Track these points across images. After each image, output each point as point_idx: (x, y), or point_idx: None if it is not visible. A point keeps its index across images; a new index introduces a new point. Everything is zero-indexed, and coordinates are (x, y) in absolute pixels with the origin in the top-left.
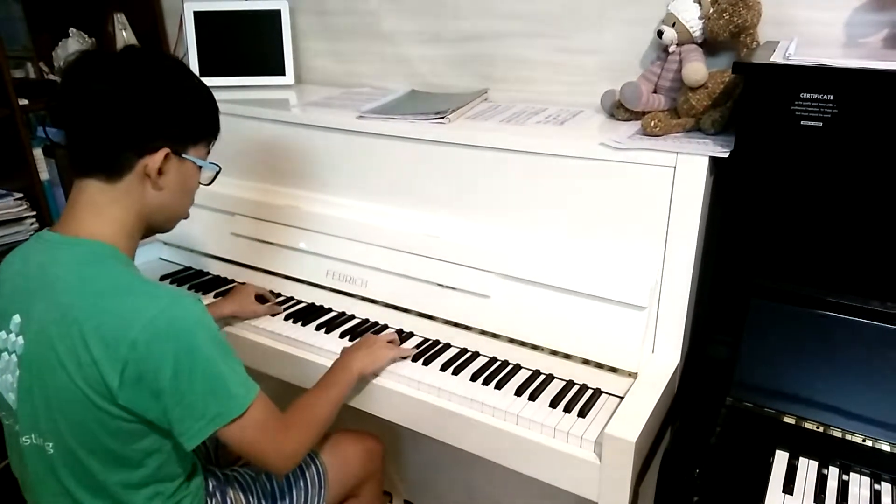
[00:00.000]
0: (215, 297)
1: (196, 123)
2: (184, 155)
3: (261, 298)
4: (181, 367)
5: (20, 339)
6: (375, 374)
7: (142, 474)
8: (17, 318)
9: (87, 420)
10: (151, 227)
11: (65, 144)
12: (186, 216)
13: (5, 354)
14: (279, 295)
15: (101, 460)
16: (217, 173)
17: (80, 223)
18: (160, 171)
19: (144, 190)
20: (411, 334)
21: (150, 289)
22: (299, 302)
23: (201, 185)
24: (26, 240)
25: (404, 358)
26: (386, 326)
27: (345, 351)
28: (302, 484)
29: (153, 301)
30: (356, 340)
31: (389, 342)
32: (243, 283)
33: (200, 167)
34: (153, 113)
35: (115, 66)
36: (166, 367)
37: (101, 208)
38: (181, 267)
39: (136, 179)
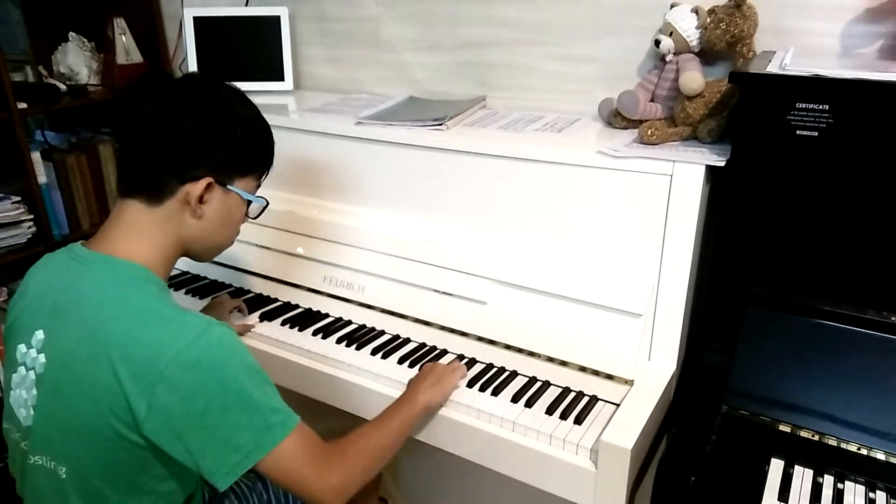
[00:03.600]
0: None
1: (245, 155)
2: (229, 186)
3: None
4: (213, 401)
5: (41, 357)
6: (442, 406)
7: (153, 498)
8: (39, 335)
9: (106, 447)
10: (191, 254)
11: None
12: (230, 245)
13: (22, 369)
14: (276, 300)
15: (116, 486)
16: (264, 208)
17: (117, 242)
18: (201, 200)
19: (184, 217)
20: (408, 340)
21: (182, 317)
22: (296, 307)
23: (248, 219)
24: (24, 243)
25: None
26: (383, 332)
27: (411, 382)
28: None
29: (184, 331)
30: (420, 371)
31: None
32: (220, 297)
33: (247, 200)
34: (197, 140)
35: (169, 89)
36: (197, 401)
37: (140, 230)
38: (179, 272)
39: (177, 206)
